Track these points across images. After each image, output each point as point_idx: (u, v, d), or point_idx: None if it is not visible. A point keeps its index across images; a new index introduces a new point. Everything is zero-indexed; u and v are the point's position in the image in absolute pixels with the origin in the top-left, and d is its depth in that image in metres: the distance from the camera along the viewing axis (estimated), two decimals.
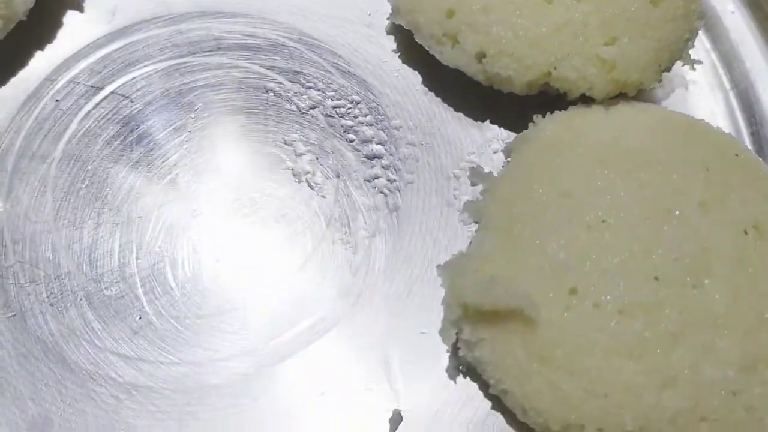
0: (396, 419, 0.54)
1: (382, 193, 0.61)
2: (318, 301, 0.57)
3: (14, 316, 0.56)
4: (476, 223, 0.57)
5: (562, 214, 0.52)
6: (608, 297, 0.50)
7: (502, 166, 0.59)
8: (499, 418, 0.55)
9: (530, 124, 0.58)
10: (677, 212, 0.52)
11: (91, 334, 0.56)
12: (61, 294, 0.56)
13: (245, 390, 0.55)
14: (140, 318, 0.56)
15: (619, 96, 0.58)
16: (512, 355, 0.51)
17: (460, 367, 0.55)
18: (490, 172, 0.59)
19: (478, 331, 0.52)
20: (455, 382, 0.55)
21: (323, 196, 0.60)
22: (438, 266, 0.53)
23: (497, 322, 0.51)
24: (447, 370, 0.55)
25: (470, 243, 0.56)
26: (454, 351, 0.55)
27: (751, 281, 0.50)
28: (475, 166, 0.60)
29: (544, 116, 0.58)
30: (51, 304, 0.56)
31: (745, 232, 0.52)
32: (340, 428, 0.54)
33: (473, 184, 0.59)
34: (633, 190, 0.52)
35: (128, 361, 0.55)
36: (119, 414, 0.54)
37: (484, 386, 0.54)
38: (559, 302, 0.50)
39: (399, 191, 0.61)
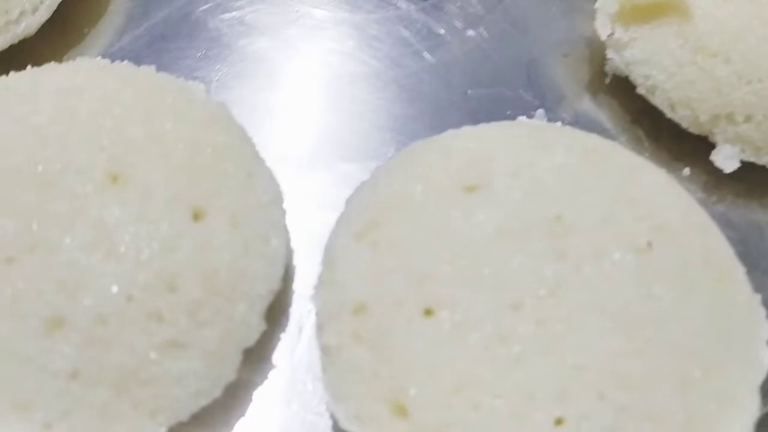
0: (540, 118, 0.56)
1: None
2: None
3: None
4: None
5: None
6: None
7: None
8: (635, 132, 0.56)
9: None
10: None
11: None
12: None
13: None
14: None
15: None
16: (665, 48, 0.53)
17: (606, 79, 0.57)
18: None
19: (630, 31, 0.54)
20: (602, 92, 0.57)
21: None
22: None
23: (651, 18, 0.53)
24: (590, 81, 0.57)
25: None
26: (601, 64, 0.57)
27: None
28: None
29: None
30: None
31: None
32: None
33: None
34: None
35: None
36: None
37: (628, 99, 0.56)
38: None
39: None
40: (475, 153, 0.47)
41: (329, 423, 0.45)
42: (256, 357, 0.45)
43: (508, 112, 0.56)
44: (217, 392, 0.42)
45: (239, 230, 0.44)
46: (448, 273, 0.42)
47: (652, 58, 0.53)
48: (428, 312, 0.42)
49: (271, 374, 0.47)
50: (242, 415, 0.45)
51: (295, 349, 0.47)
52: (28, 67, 0.49)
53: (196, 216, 0.43)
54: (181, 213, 0.43)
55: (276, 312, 0.47)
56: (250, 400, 0.46)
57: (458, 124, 0.52)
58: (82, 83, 0.47)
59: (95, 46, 0.58)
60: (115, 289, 0.40)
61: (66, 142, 0.44)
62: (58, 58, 0.55)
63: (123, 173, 0.43)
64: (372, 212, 0.46)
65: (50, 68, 0.49)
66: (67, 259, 0.40)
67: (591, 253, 0.43)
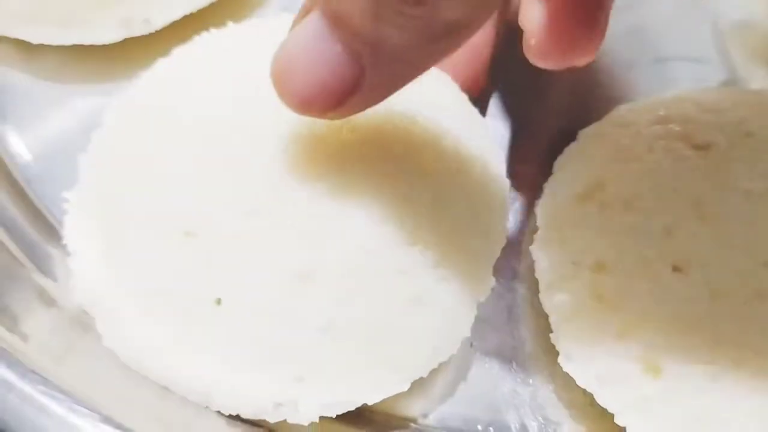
0: None
1: None
2: None
3: None
4: None
5: None
6: None
7: None
8: None
9: None
10: None
11: None
12: None
13: None
14: None
15: None
16: None
17: None
18: None
19: None
20: None
21: None
22: None
23: None
24: None
25: None
26: None
27: None
28: None
29: None
30: None
31: None
32: None
33: None
34: None
35: None
36: None
37: None
38: None
39: None
40: (696, 114, 0.46)
41: (551, 387, 0.44)
42: None
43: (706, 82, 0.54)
44: (455, 348, 0.41)
45: (463, 176, 0.42)
46: (694, 230, 0.41)
47: None
48: (676, 269, 0.40)
49: (489, 335, 0.45)
50: (463, 378, 0.44)
51: (510, 306, 0.46)
52: (229, 23, 0.48)
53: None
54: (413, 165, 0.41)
55: None
56: (469, 364, 0.44)
57: (654, 92, 0.51)
58: None
59: (273, 4, 0.56)
60: (355, 242, 0.39)
61: None
62: (242, 18, 0.53)
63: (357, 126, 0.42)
64: (594, 173, 0.45)
65: (255, 24, 0.48)
66: (309, 211, 0.39)
67: None
